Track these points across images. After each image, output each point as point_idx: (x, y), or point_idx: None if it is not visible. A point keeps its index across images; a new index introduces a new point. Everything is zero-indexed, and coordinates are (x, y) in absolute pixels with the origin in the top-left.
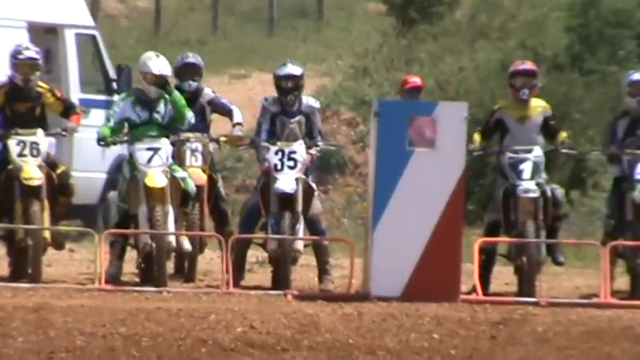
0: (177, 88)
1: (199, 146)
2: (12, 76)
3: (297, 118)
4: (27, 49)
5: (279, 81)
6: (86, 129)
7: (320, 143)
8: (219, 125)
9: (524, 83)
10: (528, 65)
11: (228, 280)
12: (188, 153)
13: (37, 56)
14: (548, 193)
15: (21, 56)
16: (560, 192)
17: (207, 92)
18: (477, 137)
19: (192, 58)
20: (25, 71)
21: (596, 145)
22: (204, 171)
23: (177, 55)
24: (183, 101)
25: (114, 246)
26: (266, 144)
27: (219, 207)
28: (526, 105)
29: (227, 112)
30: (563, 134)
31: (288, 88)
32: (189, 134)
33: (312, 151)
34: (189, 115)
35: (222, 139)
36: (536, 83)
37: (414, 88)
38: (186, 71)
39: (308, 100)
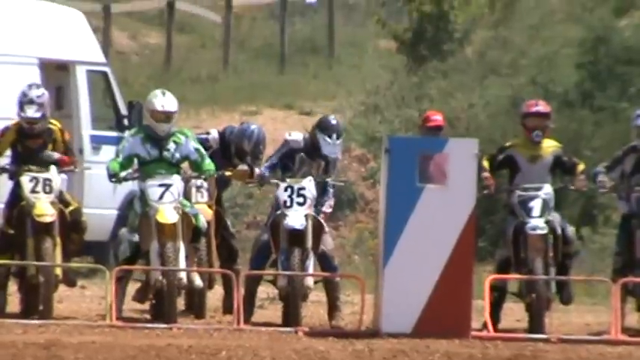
0: (224, 142)
1: (204, 183)
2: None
3: (317, 162)
4: (30, 103)
5: (325, 130)
6: (97, 166)
7: (331, 201)
8: None
9: (537, 125)
10: (542, 107)
11: (239, 317)
12: (193, 190)
13: (36, 115)
14: (558, 230)
15: (23, 114)
16: (571, 230)
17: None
18: (486, 164)
19: (259, 141)
20: (29, 123)
21: None
22: (210, 207)
23: (188, 92)
24: (204, 159)
25: (121, 281)
26: (275, 180)
27: (228, 244)
28: (538, 145)
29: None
30: (581, 166)
31: (330, 138)
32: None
33: (326, 209)
34: (211, 168)
35: (228, 173)
36: (548, 124)
37: (435, 127)
38: (243, 148)
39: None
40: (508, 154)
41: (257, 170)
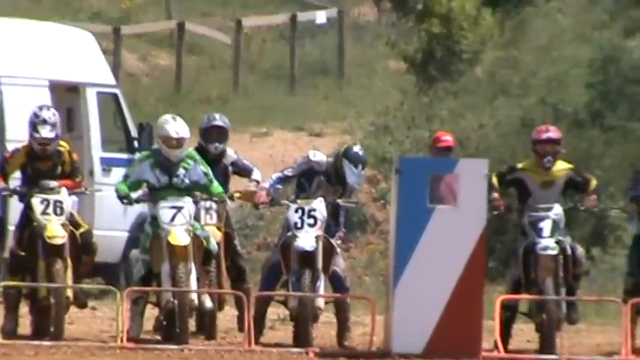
0: (202, 149)
1: (213, 205)
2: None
3: (335, 188)
4: (44, 123)
5: (352, 160)
6: (108, 188)
7: (341, 233)
8: (239, 185)
9: (549, 151)
10: (553, 133)
11: (249, 338)
12: (202, 212)
13: (50, 135)
14: (568, 251)
15: (37, 135)
16: (580, 251)
17: (230, 153)
18: (495, 181)
19: (220, 120)
20: (42, 144)
21: (616, 201)
22: (219, 229)
23: (198, 113)
24: (212, 182)
25: (137, 302)
26: (286, 202)
27: (237, 264)
28: (549, 171)
29: (248, 173)
30: (594, 182)
31: (356, 168)
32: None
33: (336, 240)
34: (220, 191)
35: (237, 195)
36: (559, 150)
37: (445, 148)
38: (212, 133)
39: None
40: (518, 177)
41: (261, 183)
